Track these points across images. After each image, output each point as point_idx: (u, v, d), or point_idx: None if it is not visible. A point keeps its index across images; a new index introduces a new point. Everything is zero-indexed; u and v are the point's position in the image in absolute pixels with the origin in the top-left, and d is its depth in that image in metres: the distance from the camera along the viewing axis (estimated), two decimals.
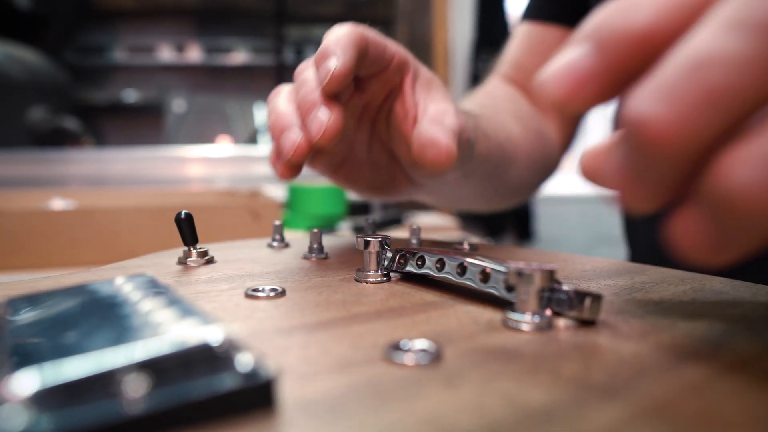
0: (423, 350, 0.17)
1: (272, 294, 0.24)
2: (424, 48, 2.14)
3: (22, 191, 1.22)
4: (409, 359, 0.17)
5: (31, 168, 1.56)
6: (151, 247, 0.41)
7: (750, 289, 0.26)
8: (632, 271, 0.30)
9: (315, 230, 0.34)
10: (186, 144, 2.38)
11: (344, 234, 0.76)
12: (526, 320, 0.20)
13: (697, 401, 0.14)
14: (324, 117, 0.30)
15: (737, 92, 0.14)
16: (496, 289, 0.23)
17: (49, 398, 0.12)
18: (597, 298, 0.20)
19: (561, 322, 0.20)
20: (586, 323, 0.21)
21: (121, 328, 0.16)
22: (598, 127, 1.83)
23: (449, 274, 0.25)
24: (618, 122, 0.16)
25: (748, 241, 0.15)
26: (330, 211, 0.89)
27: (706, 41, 0.14)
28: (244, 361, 0.14)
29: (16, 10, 2.07)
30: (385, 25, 2.41)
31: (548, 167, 0.59)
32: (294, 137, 0.31)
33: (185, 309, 0.17)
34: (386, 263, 0.28)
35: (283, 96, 0.35)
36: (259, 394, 0.13)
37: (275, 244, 0.37)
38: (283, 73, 2.33)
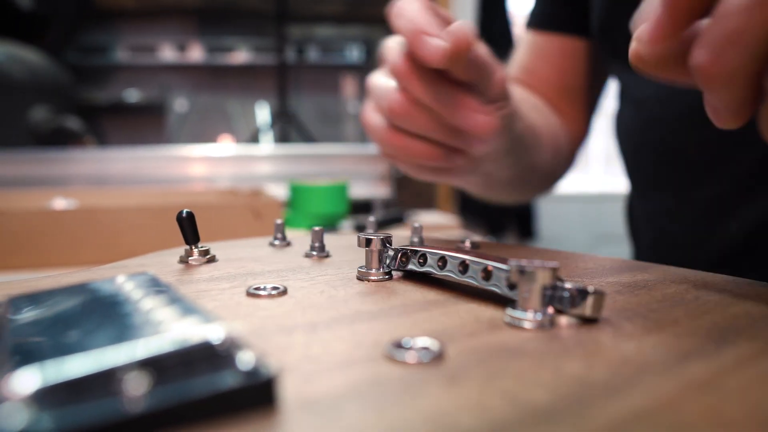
0: (425, 348, 0.17)
1: (274, 292, 0.24)
2: None
3: (24, 191, 1.22)
4: (410, 357, 0.17)
5: (33, 168, 1.56)
6: (152, 246, 0.41)
7: (753, 286, 0.26)
8: (634, 269, 0.30)
9: (316, 228, 0.34)
10: (188, 143, 2.38)
11: (346, 233, 0.76)
12: (528, 318, 0.20)
13: (700, 399, 0.14)
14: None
15: (750, 31, 0.19)
16: (498, 286, 0.22)
17: (50, 396, 0.12)
18: (599, 295, 0.20)
19: (563, 320, 0.20)
20: (589, 321, 0.20)
21: (122, 327, 0.15)
22: (601, 129, 1.83)
23: (451, 272, 0.25)
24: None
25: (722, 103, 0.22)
26: (332, 209, 0.89)
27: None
28: (245, 360, 0.14)
29: (18, 10, 2.08)
30: (387, 24, 2.41)
31: (565, 160, 0.62)
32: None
33: (186, 307, 0.17)
34: (388, 261, 0.28)
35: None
36: (260, 392, 0.13)
37: (277, 242, 0.37)
38: (285, 72, 2.33)
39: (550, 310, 0.20)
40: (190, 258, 0.31)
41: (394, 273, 0.28)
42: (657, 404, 0.14)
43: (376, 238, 0.27)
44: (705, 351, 0.18)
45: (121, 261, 0.32)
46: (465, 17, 2.12)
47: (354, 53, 2.67)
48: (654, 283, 0.27)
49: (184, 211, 0.31)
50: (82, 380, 0.12)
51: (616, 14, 0.52)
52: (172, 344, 0.14)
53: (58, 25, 2.31)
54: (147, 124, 2.64)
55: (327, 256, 0.33)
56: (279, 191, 1.05)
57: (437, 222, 0.99)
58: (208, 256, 0.32)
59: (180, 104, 2.65)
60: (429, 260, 0.26)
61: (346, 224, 0.90)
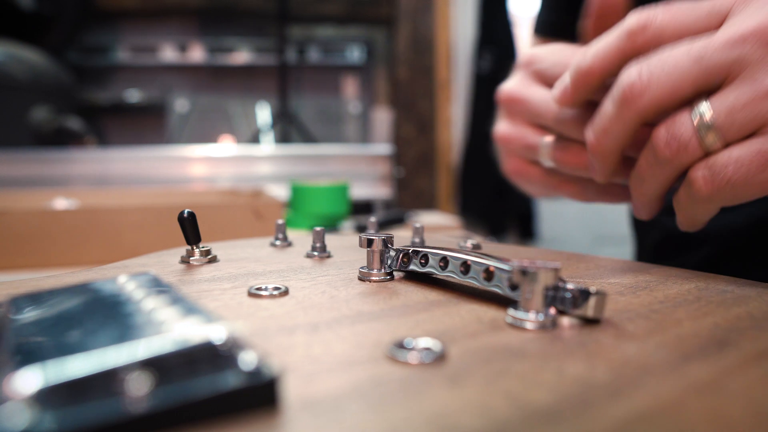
0: (427, 349, 0.17)
1: (275, 293, 0.24)
2: (426, 47, 2.14)
3: (26, 191, 1.22)
4: (412, 358, 0.17)
5: (34, 168, 1.56)
6: (154, 246, 0.41)
7: (755, 287, 0.26)
8: (636, 270, 0.30)
9: (318, 229, 0.34)
10: (189, 143, 2.38)
11: (347, 233, 0.76)
12: (530, 319, 0.20)
13: (703, 401, 0.14)
14: None
15: (621, 125, 0.29)
16: (499, 287, 0.22)
17: (51, 396, 0.12)
18: (601, 296, 0.20)
19: (565, 321, 0.20)
20: (591, 322, 0.20)
21: (124, 327, 0.15)
22: None
23: (453, 272, 0.25)
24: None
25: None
26: (332, 210, 0.89)
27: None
28: (247, 360, 0.14)
29: (20, 10, 2.08)
30: (388, 25, 2.41)
31: None
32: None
33: (188, 307, 0.17)
34: (389, 262, 0.28)
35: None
36: (262, 392, 0.13)
37: (278, 242, 0.37)
38: (286, 73, 2.33)
39: (552, 310, 0.20)
40: (191, 258, 0.31)
41: (395, 273, 0.28)
42: (659, 406, 0.14)
43: (377, 239, 0.27)
44: (707, 352, 0.17)
45: (123, 261, 0.32)
46: (467, 16, 2.12)
47: (355, 54, 2.67)
48: (656, 284, 0.27)
49: (186, 211, 0.31)
50: (84, 380, 0.12)
51: None
52: (173, 344, 0.14)
53: (59, 26, 2.31)
54: (148, 124, 2.65)
55: (328, 256, 0.33)
56: (280, 192, 1.05)
57: (438, 223, 0.99)
58: (209, 257, 0.32)
59: (181, 104, 2.65)
60: (431, 261, 0.26)
61: (347, 225, 0.90)
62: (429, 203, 2.11)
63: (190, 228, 0.31)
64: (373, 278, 0.27)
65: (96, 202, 0.83)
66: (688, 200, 0.28)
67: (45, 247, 0.63)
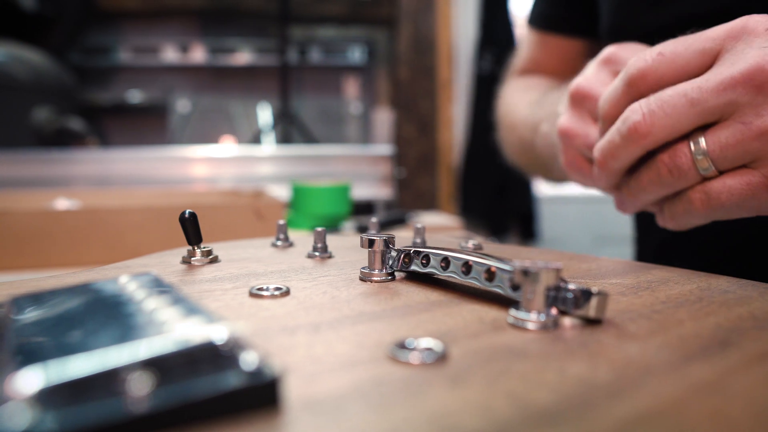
0: (428, 349, 0.17)
1: (276, 293, 0.24)
2: (428, 47, 2.14)
3: (27, 191, 1.23)
4: (414, 358, 0.17)
5: (36, 168, 1.57)
6: (155, 246, 0.41)
7: (757, 287, 0.26)
8: (638, 270, 0.30)
9: (319, 229, 0.34)
10: (190, 144, 2.38)
11: (348, 234, 0.76)
12: (531, 319, 0.20)
13: (705, 401, 0.14)
14: None
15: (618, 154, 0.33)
16: (501, 287, 0.22)
17: (53, 396, 0.12)
18: (603, 296, 0.20)
19: (567, 321, 0.20)
20: (592, 322, 0.20)
21: (125, 327, 0.15)
22: None
23: (454, 273, 0.25)
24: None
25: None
26: (334, 210, 0.89)
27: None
28: (248, 360, 0.14)
29: (22, 11, 2.08)
30: (389, 25, 2.41)
31: None
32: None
33: (189, 307, 0.17)
34: (391, 262, 0.28)
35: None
36: (263, 392, 0.13)
37: (279, 243, 0.37)
38: (287, 73, 2.33)
39: (554, 311, 0.20)
40: (192, 258, 0.31)
41: (396, 274, 0.28)
42: (661, 406, 0.14)
43: (379, 239, 0.27)
44: (709, 353, 0.17)
45: (124, 261, 0.32)
46: (468, 17, 2.12)
47: (356, 54, 2.67)
48: (657, 284, 0.27)
49: (187, 211, 0.31)
50: (86, 380, 0.12)
51: (626, 16, 0.52)
52: (175, 344, 0.14)
53: (61, 26, 2.31)
54: (149, 124, 2.65)
55: (329, 256, 0.33)
56: (281, 192, 1.05)
57: (439, 223, 0.99)
58: (210, 257, 0.32)
59: (182, 105, 2.66)
60: (432, 261, 0.26)
61: (348, 225, 0.90)
62: (430, 204, 2.11)
63: (191, 228, 0.31)
64: (375, 279, 0.27)
65: (97, 203, 0.83)
66: (683, 212, 0.33)
67: (46, 247, 0.63)
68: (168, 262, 0.32)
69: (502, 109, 0.66)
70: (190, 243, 0.31)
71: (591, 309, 0.20)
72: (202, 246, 0.32)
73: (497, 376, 0.16)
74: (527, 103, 0.59)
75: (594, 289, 0.20)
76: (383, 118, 2.27)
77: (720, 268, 0.33)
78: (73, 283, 0.21)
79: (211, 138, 2.58)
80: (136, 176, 1.62)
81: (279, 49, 2.37)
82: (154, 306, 0.17)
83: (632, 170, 0.35)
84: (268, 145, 2.37)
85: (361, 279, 0.27)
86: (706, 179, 0.31)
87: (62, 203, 0.78)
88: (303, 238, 0.40)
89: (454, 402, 0.14)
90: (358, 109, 2.69)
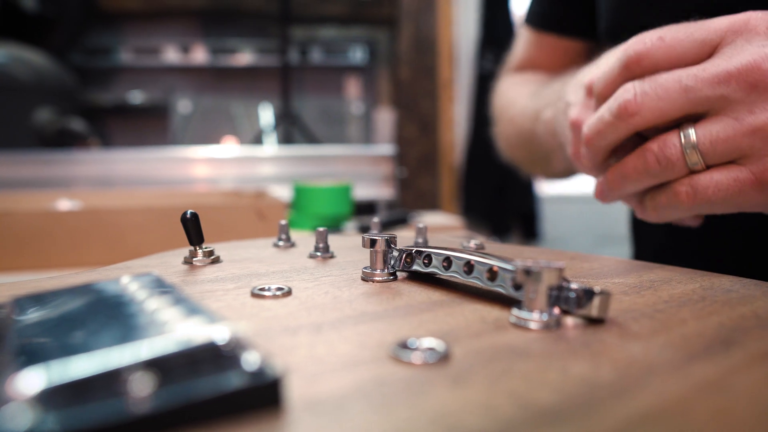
0: (430, 349, 0.17)
1: (278, 293, 0.24)
2: (429, 47, 2.14)
3: (29, 192, 1.23)
4: (416, 358, 0.17)
5: (37, 169, 1.57)
6: (157, 247, 0.41)
7: (760, 287, 0.26)
8: (640, 269, 0.30)
9: (321, 229, 0.34)
10: (191, 145, 2.38)
11: (350, 234, 0.76)
12: (534, 318, 0.20)
13: (708, 400, 0.14)
14: None
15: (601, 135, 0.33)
16: (503, 287, 0.22)
17: (54, 397, 0.12)
18: (605, 296, 0.20)
19: (569, 321, 0.20)
20: (595, 322, 0.20)
21: (127, 327, 0.15)
22: None
23: (456, 272, 0.25)
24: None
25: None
26: (335, 210, 0.89)
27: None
28: (250, 360, 0.14)
29: (23, 12, 2.08)
30: (390, 25, 2.41)
31: None
32: None
33: (191, 308, 0.17)
34: (393, 262, 0.28)
35: None
36: (265, 393, 0.13)
37: (281, 243, 0.37)
38: (289, 74, 2.33)
39: (556, 310, 0.20)
40: (194, 259, 0.31)
41: (398, 274, 0.28)
42: (664, 405, 0.14)
43: (380, 239, 0.27)
44: (712, 352, 0.17)
45: (126, 262, 0.32)
46: (469, 16, 2.12)
47: (357, 54, 2.67)
48: (660, 283, 0.26)
49: (189, 212, 0.31)
50: (87, 381, 0.12)
51: (624, 17, 0.51)
52: (177, 345, 0.14)
53: (62, 27, 2.32)
54: (151, 125, 2.65)
55: (331, 256, 0.33)
56: (283, 192, 1.05)
57: (441, 223, 0.99)
58: (212, 257, 0.32)
59: (184, 106, 2.66)
60: (434, 261, 0.26)
61: (350, 225, 0.90)
62: (432, 203, 2.11)
63: (193, 229, 0.31)
64: (377, 278, 0.27)
65: (99, 203, 0.83)
66: (666, 204, 0.32)
67: (48, 248, 0.63)
68: (169, 262, 0.32)
69: (498, 103, 0.65)
70: (191, 243, 0.31)
71: (594, 308, 0.20)
72: (203, 246, 0.32)
73: (500, 376, 0.16)
74: (526, 95, 0.59)
75: (596, 289, 0.20)
76: (384, 118, 2.27)
77: (719, 270, 0.33)
78: (74, 284, 0.21)
79: (212, 138, 2.58)
80: (138, 177, 1.63)
81: (280, 49, 2.37)
82: (155, 306, 0.17)
83: (619, 158, 0.35)
84: (270, 146, 2.37)
85: (363, 279, 0.27)
86: (692, 172, 0.30)
87: (64, 204, 0.78)
88: (305, 239, 0.40)
89: (457, 402, 0.14)
90: (359, 109, 2.69)
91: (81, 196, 0.88)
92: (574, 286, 0.20)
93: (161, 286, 0.20)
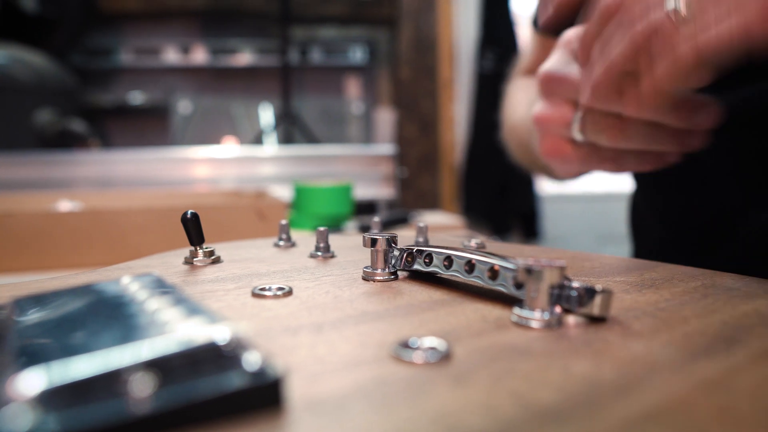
0: (432, 348, 0.17)
1: (279, 293, 0.24)
2: (429, 47, 2.14)
3: (30, 193, 1.23)
4: (417, 357, 0.17)
5: (38, 170, 1.57)
6: (157, 247, 0.41)
7: (762, 285, 0.26)
8: (642, 268, 0.30)
9: (321, 229, 0.34)
10: (192, 145, 2.38)
11: (351, 233, 0.76)
12: (535, 317, 0.20)
13: (711, 398, 0.14)
14: None
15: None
16: (504, 286, 0.22)
17: (55, 398, 0.12)
18: (607, 294, 0.20)
19: (571, 320, 0.20)
20: (597, 320, 0.20)
21: (128, 328, 0.15)
22: None
23: (457, 271, 0.25)
24: None
25: None
26: (336, 210, 0.89)
27: None
28: (251, 360, 0.14)
29: (23, 13, 2.08)
30: (390, 25, 2.41)
31: None
32: None
33: (192, 308, 0.17)
34: (393, 261, 0.28)
35: None
36: (266, 393, 0.13)
37: (282, 243, 0.37)
38: (289, 74, 2.33)
39: (558, 309, 0.20)
40: (195, 259, 0.31)
41: (399, 273, 0.28)
42: (667, 404, 0.14)
43: (381, 238, 0.27)
44: (715, 350, 0.17)
45: (126, 262, 0.32)
46: (469, 16, 2.12)
47: (357, 54, 2.67)
48: (661, 281, 0.26)
49: (189, 212, 0.31)
50: (88, 381, 0.12)
51: None
52: (177, 345, 0.14)
53: (62, 28, 2.32)
54: (151, 126, 2.65)
55: (332, 256, 0.33)
56: (283, 192, 1.05)
57: (442, 222, 0.99)
58: (213, 257, 0.32)
59: (184, 106, 2.66)
60: (435, 260, 0.26)
61: (351, 225, 0.90)
62: (432, 203, 2.11)
63: (193, 229, 0.31)
64: (377, 278, 0.27)
65: (100, 204, 0.83)
66: (666, 73, 0.29)
67: (49, 249, 0.63)
68: (170, 262, 0.31)
69: (504, 110, 0.66)
70: (192, 243, 0.31)
71: (595, 307, 0.20)
72: (204, 246, 0.32)
73: (501, 375, 0.15)
74: (525, 103, 0.59)
75: (598, 287, 0.20)
76: (385, 118, 2.27)
77: (720, 268, 0.32)
78: (75, 285, 0.21)
79: (212, 139, 2.58)
80: (138, 177, 1.63)
81: (280, 49, 2.37)
82: (156, 307, 0.17)
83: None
84: (270, 146, 2.37)
85: (364, 278, 0.27)
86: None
87: (64, 205, 0.78)
88: (305, 238, 0.40)
89: (458, 401, 0.14)
90: (359, 109, 2.69)
91: (81, 197, 0.88)
92: (575, 284, 0.20)
93: (162, 287, 0.20)
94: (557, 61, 0.39)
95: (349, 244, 0.38)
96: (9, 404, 0.11)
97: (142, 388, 0.12)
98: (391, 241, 0.27)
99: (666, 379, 0.15)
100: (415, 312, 0.22)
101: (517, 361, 0.16)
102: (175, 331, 0.15)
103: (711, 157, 0.48)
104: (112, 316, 0.17)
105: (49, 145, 1.79)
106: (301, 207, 0.90)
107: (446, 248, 0.26)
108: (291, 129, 2.33)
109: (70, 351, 0.14)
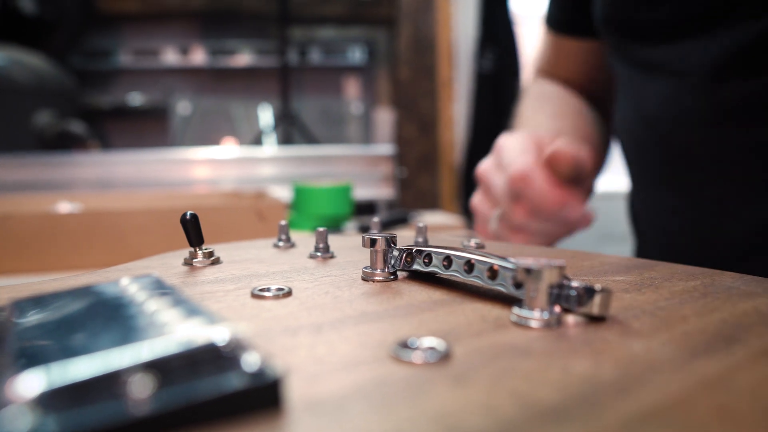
0: (431, 348, 0.17)
1: (279, 293, 0.24)
2: (428, 47, 2.14)
3: (29, 195, 1.23)
4: (417, 357, 0.17)
5: (37, 172, 1.57)
6: (157, 249, 0.41)
7: (762, 283, 0.26)
8: (641, 267, 0.30)
9: (321, 229, 0.34)
10: (191, 146, 2.38)
11: (350, 234, 0.76)
12: (535, 317, 0.20)
13: (711, 397, 0.14)
14: None
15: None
16: (504, 286, 0.22)
17: (54, 399, 0.12)
18: (606, 293, 0.20)
19: (570, 319, 0.20)
20: (596, 319, 0.20)
21: (127, 329, 0.15)
22: None
23: (456, 271, 0.25)
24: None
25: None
26: (335, 211, 0.89)
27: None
28: (250, 361, 0.14)
29: (22, 15, 2.08)
30: (389, 25, 2.41)
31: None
32: None
33: (191, 309, 0.17)
34: (393, 262, 0.28)
35: None
36: (265, 394, 0.13)
37: (281, 244, 0.37)
38: (288, 74, 2.33)
39: (557, 308, 0.20)
40: (194, 260, 0.31)
41: (399, 273, 0.28)
42: (667, 403, 0.14)
43: (380, 238, 0.27)
44: (714, 348, 0.17)
45: (126, 264, 0.32)
46: (468, 16, 2.12)
47: (356, 54, 2.67)
48: (661, 280, 0.26)
49: (188, 213, 0.31)
50: (87, 383, 0.12)
51: (618, 8, 0.52)
52: (177, 346, 0.14)
53: (62, 30, 2.32)
54: (150, 127, 2.65)
55: (331, 257, 0.33)
56: (282, 193, 1.05)
57: (441, 222, 0.99)
58: (212, 258, 0.32)
59: (183, 107, 2.66)
60: (434, 260, 0.26)
61: (350, 225, 0.90)
62: (432, 203, 2.11)
63: (192, 230, 0.31)
64: (377, 278, 0.27)
65: (99, 206, 0.83)
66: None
67: (48, 250, 0.63)
68: (169, 263, 0.31)
69: (517, 123, 0.68)
70: (191, 244, 0.31)
71: (595, 306, 0.20)
72: (203, 247, 0.32)
73: (501, 375, 0.15)
74: (533, 126, 0.63)
75: (597, 287, 0.20)
76: (384, 118, 2.27)
77: (720, 266, 0.32)
78: (74, 286, 0.21)
79: (212, 140, 2.58)
80: (138, 179, 1.63)
81: (279, 50, 2.37)
82: (155, 308, 0.17)
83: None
84: (269, 147, 2.37)
85: (363, 279, 0.27)
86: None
87: (64, 206, 0.78)
88: (305, 239, 0.40)
89: (458, 401, 0.14)
90: (358, 110, 2.69)
91: (81, 199, 0.88)
92: (575, 284, 0.20)
93: (161, 288, 0.20)
94: (489, 165, 0.52)
95: (349, 244, 0.38)
96: (8, 406, 0.11)
97: (141, 390, 0.12)
98: (391, 242, 0.27)
99: (666, 377, 0.15)
100: (414, 312, 0.22)
101: (517, 361, 0.17)
102: (174, 332, 0.15)
103: (703, 153, 0.48)
104: (111, 318, 0.17)
105: (49, 147, 1.79)
106: (300, 207, 0.90)
107: (445, 248, 0.26)
108: (290, 129, 2.33)
109: (69, 352, 0.14)
